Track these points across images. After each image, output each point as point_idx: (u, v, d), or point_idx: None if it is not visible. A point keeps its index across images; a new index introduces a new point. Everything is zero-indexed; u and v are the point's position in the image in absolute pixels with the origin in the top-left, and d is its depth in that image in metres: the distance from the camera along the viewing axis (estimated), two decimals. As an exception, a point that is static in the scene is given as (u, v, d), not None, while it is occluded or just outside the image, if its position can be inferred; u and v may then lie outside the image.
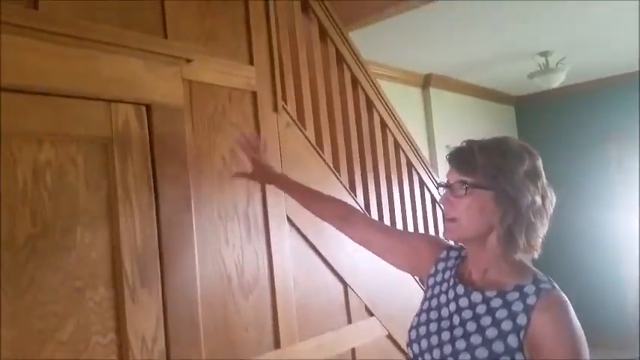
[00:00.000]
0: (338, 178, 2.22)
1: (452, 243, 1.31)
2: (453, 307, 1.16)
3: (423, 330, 1.19)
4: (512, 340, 1.05)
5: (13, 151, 1.27)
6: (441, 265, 1.28)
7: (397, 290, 2.37)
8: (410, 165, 2.74)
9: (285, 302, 1.91)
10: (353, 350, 2.17)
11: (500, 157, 1.10)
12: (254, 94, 1.92)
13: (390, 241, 1.42)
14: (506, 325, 1.07)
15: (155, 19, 1.66)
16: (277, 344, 1.86)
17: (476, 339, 1.09)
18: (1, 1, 1.22)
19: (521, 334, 1.05)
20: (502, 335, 1.06)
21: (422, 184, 2.81)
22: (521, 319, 1.06)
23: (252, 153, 1.65)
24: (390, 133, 2.58)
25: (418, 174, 2.79)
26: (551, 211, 1.15)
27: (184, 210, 1.60)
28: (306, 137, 2.11)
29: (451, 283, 1.20)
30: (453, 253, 1.28)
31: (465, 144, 1.16)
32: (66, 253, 1.34)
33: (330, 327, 2.10)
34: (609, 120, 5.42)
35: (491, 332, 1.08)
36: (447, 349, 1.12)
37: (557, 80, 4.24)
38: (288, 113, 2.04)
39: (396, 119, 2.60)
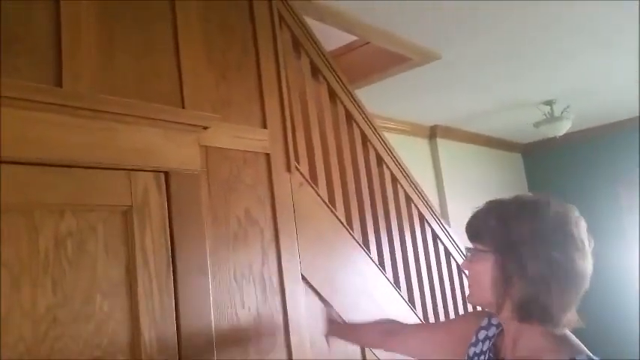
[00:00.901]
0: (351, 234, 2.22)
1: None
2: None
3: None
4: None
5: (36, 223, 1.29)
6: (482, 334, 1.19)
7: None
8: (422, 218, 2.73)
9: (303, 362, 1.88)
10: (372, 413, 2.11)
11: (496, 220, 1.04)
12: (267, 156, 1.96)
13: (432, 335, 1.41)
14: None
15: (172, 89, 1.71)
16: (295, 406, 1.82)
17: None
18: (28, 82, 1.28)
19: None
20: None
21: (435, 236, 2.80)
22: None
23: None
24: (400, 187, 2.59)
25: (431, 226, 2.77)
26: (589, 272, 1.03)
27: (201, 274, 1.59)
28: (319, 195, 2.12)
29: (487, 357, 1.13)
30: (495, 321, 1.19)
31: (481, 209, 1.12)
32: (85, 322, 1.33)
33: (348, 387, 2.05)
34: (617, 164, 5.42)
35: None
36: None
37: (564, 128, 4.27)
38: (301, 173, 2.07)
39: (405, 173, 2.62)
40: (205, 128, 1.68)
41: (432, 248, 2.76)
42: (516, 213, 1.04)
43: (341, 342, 1.96)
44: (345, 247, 2.19)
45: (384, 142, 2.53)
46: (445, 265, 2.81)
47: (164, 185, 1.56)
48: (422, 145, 4.63)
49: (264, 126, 1.96)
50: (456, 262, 2.85)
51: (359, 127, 2.44)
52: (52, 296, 1.28)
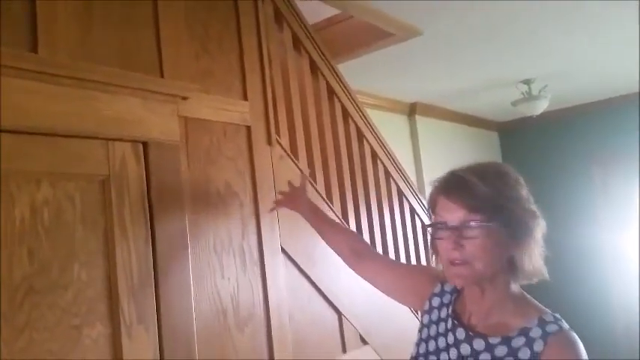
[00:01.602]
0: (331, 208, 2.23)
1: None
2: (454, 354, 1.05)
3: None
4: None
5: (12, 191, 1.26)
6: (435, 301, 1.17)
7: (391, 319, 2.35)
8: (400, 193, 2.75)
9: (281, 334, 1.89)
10: (348, 379, 2.15)
11: (502, 185, 1.00)
12: (248, 129, 1.93)
13: (395, 277, 1.36)
14: None
15: (152, 59, 1.67)
16: (273, 377, 1.84)
17: None
18: (1, 46, 1.23)
19: None
20: None
21: (412, 211, 2.82)
22: None
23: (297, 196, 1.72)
24: (380, 163, 2.60)
25: (408, 201, 2.80)
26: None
27: (180, 245, 1.59)
28: (299, 169, 2.11)
29: (449, 325, 1.09)
30: (448, 287, 1.17)
31: (459, 174, 1.03)
32: (63, 291, 1.32)
33: (326, 356, 2.07)
34: (592, 143, 5.51)
35: None
36: None
37: (541, 107, 4.32)
38: (281, 146, 2.05)
39: (386, 149, 2.62)
40: (184, 99, 1.65)
41: (410, 223, 2.79)
42: (513, 176, 1.04)
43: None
44: (324, 221, 2.20)
45: (365, 117, 2.52)
46: (422, 240, 2.85)
47: (142, 155, 1.54)
48: (401, 121, 4.64)
49: (245, 98, 1.94)
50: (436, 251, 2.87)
51: (340, 101, 2.42)
52: (28, 265, 1.27)
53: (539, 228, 1.03)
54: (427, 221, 2.90)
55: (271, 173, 1.99)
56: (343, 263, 1.52)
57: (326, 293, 2.11)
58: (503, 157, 6.11)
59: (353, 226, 2.37)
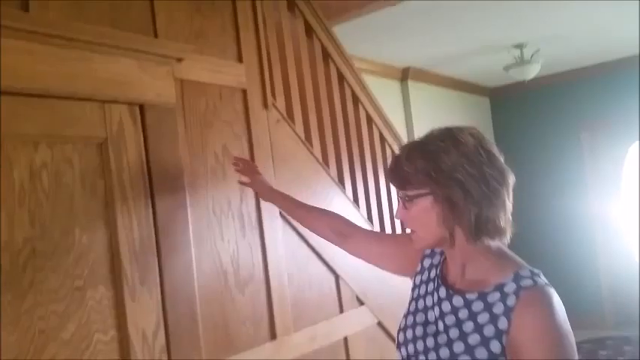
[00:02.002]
0: (327, 172, 2.22)
1: None
2: (437, 311, 1.09)
3: (410, 334, 1.13)
4: (495, 347, 0.98)
5: (9, 154, 1.24)
6: (426, 262, 1.21)
7: (386, 280, 2.38)
8: (395, 157, 2.75)
9: (280, 295, 1.91)
10: (345, 339, 2.19)
11: (423, 160, 1.03)
12: (244, 92, 1.91)
13: (385, 248, 1.38)
14: (489, 331, 0.99)
15: (145, 20, 1.63)
16: (273, 336, 1.86)
17: (459, 347, 1.02)
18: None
19: (504, 339, 0.98)
20: (485, 342, 0.99)
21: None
22: (502, 323, 0.98)
23: (251, 174, 1.68)
24: (375, 127, 2.59)
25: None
26: (511, 183, 1.06)
27: (180, 207, 1.58)
28: (296, 133, 2.10)
29: (435, 284, 1.13)
30: (438, 249, 1.19)
31: (394, 155, 1.12)
32: (65, 254, 1.32)
33: (323, 317, 2.11)
34: (581, 109, 5.52)
35: (473, 339, 1.01)
36: (432, 356, 1.06)
37: (532, 72, 4.30)
38: (277, 110, 2.03)
39: (381, 113, 2.61)
40: (180, 60, 1.62)
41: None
42: (438, 145, 1.04)
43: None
44: (321, 185, 2.20)
45: (360, 81, 2.49)
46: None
47: (139, 118, 1.52)
48: (393, 87, 4.60)
49: (240, 60, 1.90)
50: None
51: (335, 64, 2.39)
52: (29, 228, 1.26)
53: (488, 189, 1.01)
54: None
55: (268, 137, 1.98)
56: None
57: (324, 256, 2.13)
58: (493, 122, 6.12)
59: (349, 191, 2.37)
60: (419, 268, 1.22)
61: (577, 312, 5.32)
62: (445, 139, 1.04)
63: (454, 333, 1.04)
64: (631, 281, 5.31)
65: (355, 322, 2.25)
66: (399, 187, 1.08)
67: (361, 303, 2.30)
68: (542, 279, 1.02)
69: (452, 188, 1.01)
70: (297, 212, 1.62)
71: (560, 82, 5.55)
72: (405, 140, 2.98)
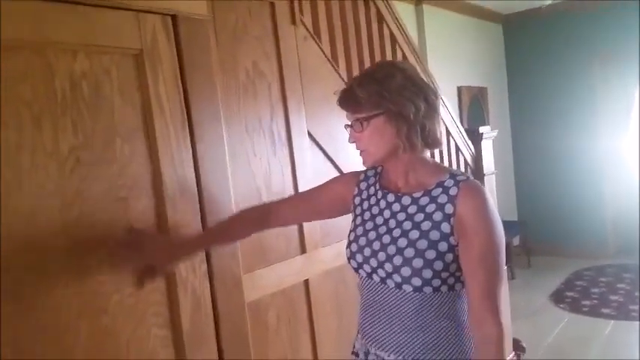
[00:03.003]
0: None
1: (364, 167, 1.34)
2: (387, 213, 1.25)
3: (363, 241, 1.26)
4: (445, 227, 1.16)
5: (51, 61, 1.21)
6: (363, 185, 1.35)
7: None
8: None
9: (309, 212, 1.94)
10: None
11: (375, 85, 1.17)
12: (272, 6, 1.84)
13: (312, 203, 1.46)
14: (437, 216, 1.17)
15: None
16: (303, 250, 1.91)
17: (414, 234, 1.18)
18: None
19: (451, 220, 1.16)
20: (436, 225, 1.17)
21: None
22: (449, 208, 1.16)
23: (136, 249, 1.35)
24: (399, 48, 2.52)
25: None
26: (439, 105, 1.23)
27: (215, 121, 1.56)
28: (323, 51, 2.05)
29: (379, 196, 1.29)
30: (370, 172, 1.36)
31: (346, 86, 1.24)
32: (107, 165, 1.31)
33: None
34: (594, 38, 5.36)
35: (425, 225, 1.18)
36: (391, 249, 1.20)
37: (551, -4, 4.14)
38: (305, 26, 1.97)
39: (404, 33, 2.53)
40: (211, -30, 1.54)
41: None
42: (386, 72, 1.19)
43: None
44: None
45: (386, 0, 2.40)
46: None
47: (172, 30, 1.47)
48: (408, 10, 4.45)
49: (268, -27, 1.82)
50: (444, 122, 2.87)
51: (361, -19, 2.29)
52: (73, 137, 1.25)
53: (424, 110, 1.18)
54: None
55: (296, 55, 1.92)
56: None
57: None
58: (506, 50, 5.97)
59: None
60: (356, 191, 1.36)
61: (581, 241, 5.52)
62: (389, 67, 1.21)
63: (407, 225, 1.20)
64: (632, 212, 5.40)
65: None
66: (353, 112, 1.20)
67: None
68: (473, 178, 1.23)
69: (403, 105, 1.16)
70: (207, 240, 1.48)
71: (574, 12, 5.36)
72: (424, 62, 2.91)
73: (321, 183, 1.98)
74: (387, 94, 1.16)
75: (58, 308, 1.21)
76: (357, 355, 1.36)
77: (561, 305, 4.35)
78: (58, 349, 1.20)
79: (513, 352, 3.05)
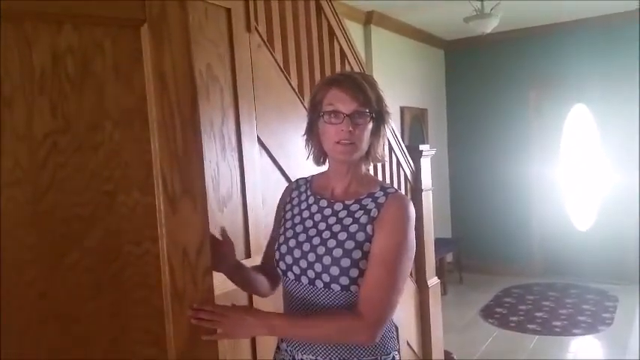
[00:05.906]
0: (303, 104, 2.29)
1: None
2: (318, 217, 1.36)
3: (292, 242, 1.35)
4: (369, 229, 1.28)
5: (28, 34, 1.08)
6: (294, 194, 1.47)
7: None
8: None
9: (255, 216, 2.02)
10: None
11: (378, 90, 1.33)
12: (228, 11, 1.92)
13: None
14: (364, 219, 1.30)
15: None
16: (248, 254, 1.97)
17: (342, 235, 1.29)
18: None
19: (374, 222, 1.28)
20: (361, 227, 1.29)
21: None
22: (374, 213, 1.30)
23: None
24: (348, 64, 2.66)
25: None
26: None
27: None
28: (276, 60, 2.14)
29: (311, 201, 1.40)
30: (301, 181, 1.49)
31: (354, 77, 1.32)
32: (92, 152, 1.15)
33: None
34: (531, 68, 5.82)
35: (353, 228, 1.29)
36: (321, 249, 1.29)
37: (491, 25, 4.47)
38: (259, 34, 2.06)
39: (354, 51, 2.68)
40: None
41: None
42: (377, 86, 1.33)
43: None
44: (297, 117, 2.26)
45: (337, 16, 2.53)
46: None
47: None
48: (357, 29, 4.65)
49: (227, -21, 1.90)
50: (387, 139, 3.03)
51: (315, -3, 2.41)
52: (50, 120, 1.12)
53: (388, 125, 1.37)
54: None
55: (249, 61, 2.01)
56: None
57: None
58: (446, 74, 6.33)
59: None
60: (288, 200, 1.47)
61: (510, 260, 5.91)
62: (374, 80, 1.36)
63: (336, 228, 1.31)
64: (559, 234, 5.82)
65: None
66: (361, 105, 1.28)
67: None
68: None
69: (385, 115, 1.33)
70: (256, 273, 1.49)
71: (513, 40, 5.78)
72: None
73: (268, 189, 2.07)
74: (384, 104, 1.33)
75: (23, 311, 1.10)
76: None
77: (490, 320, 4.63)
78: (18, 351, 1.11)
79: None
